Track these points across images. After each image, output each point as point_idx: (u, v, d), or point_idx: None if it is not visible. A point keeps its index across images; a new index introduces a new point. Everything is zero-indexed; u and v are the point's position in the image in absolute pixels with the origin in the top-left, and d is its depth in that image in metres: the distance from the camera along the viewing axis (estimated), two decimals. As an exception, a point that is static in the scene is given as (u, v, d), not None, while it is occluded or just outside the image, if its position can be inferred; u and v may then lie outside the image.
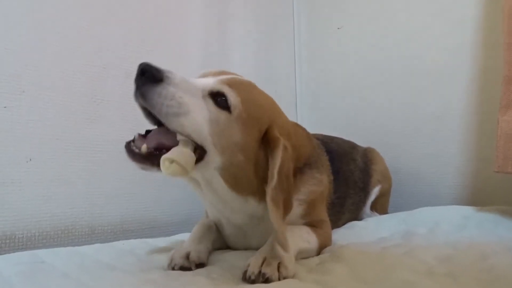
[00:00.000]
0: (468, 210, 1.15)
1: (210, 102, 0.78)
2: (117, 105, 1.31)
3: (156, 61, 1.52)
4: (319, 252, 0.91)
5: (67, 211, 1.17)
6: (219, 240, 0.99)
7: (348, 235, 1.09)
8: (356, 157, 1.42)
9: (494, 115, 1.25)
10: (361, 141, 1.55)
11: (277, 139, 0.80)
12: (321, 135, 1.41)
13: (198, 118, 0.75)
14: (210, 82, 0.80)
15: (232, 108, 0.78)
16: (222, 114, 0.77)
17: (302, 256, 0.85)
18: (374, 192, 1.41)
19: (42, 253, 0.92)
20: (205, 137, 0.75)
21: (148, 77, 0.71)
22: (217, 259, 0.86)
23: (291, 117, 1.97)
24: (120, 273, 0.76)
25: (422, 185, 1.56)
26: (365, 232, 1.11)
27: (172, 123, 0.72)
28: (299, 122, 2.04)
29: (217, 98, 0.78)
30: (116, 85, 1.32)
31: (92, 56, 1.26)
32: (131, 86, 1.32)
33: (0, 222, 1.05)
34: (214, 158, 0.77)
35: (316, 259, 0.83)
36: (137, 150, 0.73)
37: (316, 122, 2.01)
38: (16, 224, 1.08)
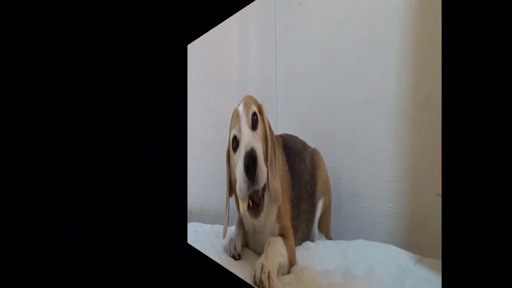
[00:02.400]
0: (405, 259, 1.12)
1: (254, 133, 0.96)
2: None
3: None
4: (289, 269, 0.94)
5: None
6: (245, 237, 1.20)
7: (305, 257, 1.11)
8: (306, 158, 1.34)
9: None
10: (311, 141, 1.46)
11: (260, 105, 1.06)
12: (285, 133, 1.37)
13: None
14: (246, 120, 0.99)
15: (259, 118, 1.00)
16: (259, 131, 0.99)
17: (278, 271, 0.88)
18: (319, 207, 1.34)
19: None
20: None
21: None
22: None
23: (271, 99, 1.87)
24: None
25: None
26: (317, 258, 1.11)
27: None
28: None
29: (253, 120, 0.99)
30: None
31: None
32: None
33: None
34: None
35: (286, 278, 0.88)
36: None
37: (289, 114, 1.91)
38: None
